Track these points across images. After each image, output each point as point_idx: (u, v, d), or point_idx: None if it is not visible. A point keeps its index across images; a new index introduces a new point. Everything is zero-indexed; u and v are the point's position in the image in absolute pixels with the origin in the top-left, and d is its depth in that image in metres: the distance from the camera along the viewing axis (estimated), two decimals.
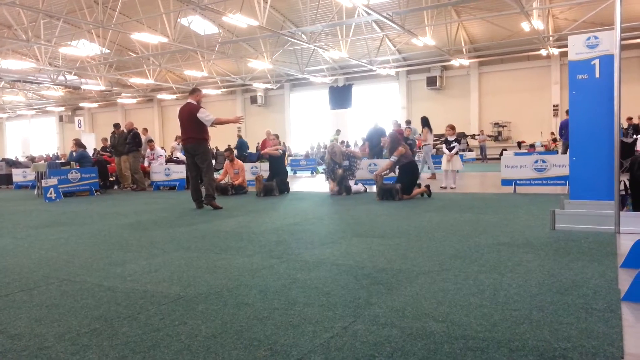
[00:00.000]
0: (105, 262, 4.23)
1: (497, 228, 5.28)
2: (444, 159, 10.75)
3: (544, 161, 9.26)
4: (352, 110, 32.21)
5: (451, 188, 10.34)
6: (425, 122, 14.48)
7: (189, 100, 8.28)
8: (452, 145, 10.46)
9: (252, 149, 26.69)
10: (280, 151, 11.26)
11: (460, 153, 21.05)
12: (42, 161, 20.55)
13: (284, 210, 7.66)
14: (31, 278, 3.74)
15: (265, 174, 11.10)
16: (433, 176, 13.84)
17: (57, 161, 16.58)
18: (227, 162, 11.76)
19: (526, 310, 2.62)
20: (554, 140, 23.62)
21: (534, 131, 27.65)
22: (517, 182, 9.34)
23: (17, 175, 16.75)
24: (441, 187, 10.35)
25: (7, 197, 12.83)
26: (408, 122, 16.46)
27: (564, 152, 12.69)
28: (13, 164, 19.08)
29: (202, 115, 8.06)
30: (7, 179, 17.47)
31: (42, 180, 11.49)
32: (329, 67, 31.44)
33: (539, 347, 2.14)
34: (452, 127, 10.87)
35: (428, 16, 22.39)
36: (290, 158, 23.40)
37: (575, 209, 5.20)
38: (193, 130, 8.13)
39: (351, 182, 10.12)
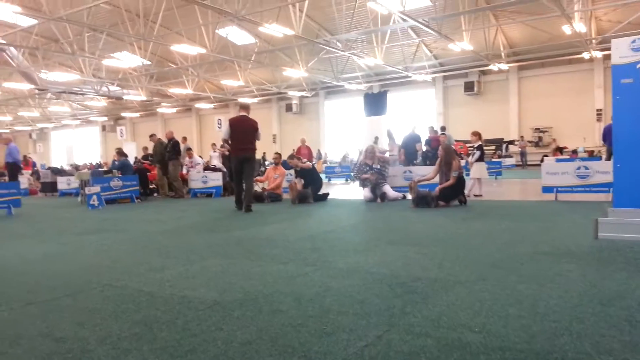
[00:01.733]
0: (145, 267, 4.35)
1: (537, 236, 5.15)
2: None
3: (586, 168, 8.98)
4: (387, 117, 32.04)
5: (475, 196, 10.08)
6: (390, 134, 15.24)
7: (244, 114, 9.22)
8: (473, 152, 10.57)
9: (285, 157, 26.87)
10: (310, 164, 11.47)
11: (499, 159, 20.60)
12: (86, 169, 21.27)
13: (318, 218, 7.69)
14: (75, 283, 3.88)
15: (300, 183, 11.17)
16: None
17: (99, 169, 17.13)
18: (272, 165, 12.00)
19: (566, 321, 2.55)
20: (559, 149, 22.89)
21: (577, 136, 26.84)
22: (559, 189, 9.08)
23: (62, 183, 17.38)
24: (474, 195, 10.13)
25: (52, 204, 13.33)
26: (443, 129, 16.28)
27: (608, 159, 12.32)
28: (58, 172, 19.83)
29: (259, 131, 9.28)
30: (52, 187, 18.13)
31: (86, 188, 11.89)
32: (364, 74, 31.42)
33: None
34: (475, 134, 11.01)
35: (465, 21, 22.10)
36: (325, 165, 23.43)
37: (619, 217, 5.02)
38: (252, 142, 9.13)
39: (387, 188, 10.07)
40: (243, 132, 9.02)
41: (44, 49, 23.13)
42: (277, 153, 12.40)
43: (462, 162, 13.63)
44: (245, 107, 9.41)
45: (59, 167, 27.07)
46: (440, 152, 9.17)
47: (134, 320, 2.86)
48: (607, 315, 2.62)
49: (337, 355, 2.24)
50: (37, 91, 31.48)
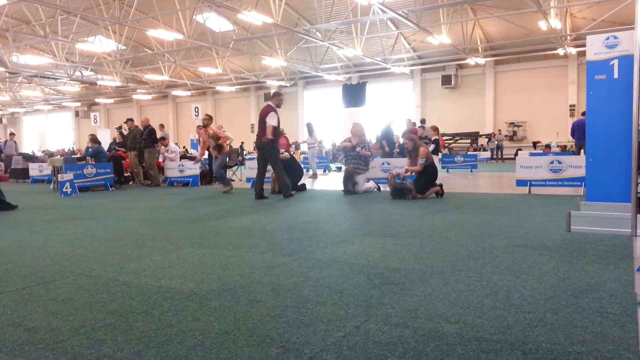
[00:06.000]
0: (120, 257, 4.28)
1: (511, 229, 5.24)
2: None
3: (559, 162, 9.15)
4: (366, 109, 32.09)
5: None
6: (310, 127, 15.57)
7: (269, 103, 9.30)
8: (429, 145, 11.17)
9: None
10: (288, 155, 11.34)
11: (474, 152, 20.92)
12: (59, 156, 20.81)
13: (296, 208, 7.68)
14: (47, 272, 3.79)
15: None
16: (314, 176, 15.39)
17: (73, 156, 16.77)
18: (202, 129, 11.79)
19: (540, 312, 2.60)
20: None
21: (550, 131, 27.37)
22: (532, 182, 9.25)
23: (34, 170, 16.95)
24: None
25: (24, 191, 13.01)
26: (423, 121, 16.41)
27: (577, 153, 12.67)
28: (30, 158, 19.34)
29: (268, 119, 8.98)
30: (23, 173, 17.69)
31: (58, 175, 11.63)
32: (343, 65, 31.40)
33: (552, 350, 2.12)
34: (433, 128, 11.54)
35: (444, 14, 22.24)
36: (303, 156, 23.34)
37: (591, 211, 5.14)
38: (262, 130, 9.05)
39: (361, 178, 9.90)
40: (260, 120, 9.24)
41: (15, 31, 22.42)
42: (206, 115, 12.05)
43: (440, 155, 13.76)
44: (272, 96, 9.58)
45: (31, 152, 26.39)
46: (407, 142, 9.25)
47: (108, 310, 2.82)
48: (579, 306, 2.68)
49: (316, 346, 2.24)
50: (7, 74, 30.59)
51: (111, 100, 42.15)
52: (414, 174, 9.36)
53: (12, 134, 21.58)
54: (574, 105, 26.86)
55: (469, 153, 23.58)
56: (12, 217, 7.33)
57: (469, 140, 29.68)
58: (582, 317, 2.51)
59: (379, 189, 10.27)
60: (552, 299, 2.82)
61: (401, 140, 14.98)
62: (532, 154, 18.78)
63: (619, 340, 2.22)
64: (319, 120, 34.74)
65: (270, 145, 9.10)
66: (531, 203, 7.63)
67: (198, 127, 11.99)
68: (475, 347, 2.19)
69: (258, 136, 9.23)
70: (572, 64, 27.10)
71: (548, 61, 27.70)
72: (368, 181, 10.22)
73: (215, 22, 25.56)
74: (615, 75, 5.21)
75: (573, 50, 25.44)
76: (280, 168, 9.29)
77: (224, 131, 15.17)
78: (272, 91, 9.81)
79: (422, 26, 20.79)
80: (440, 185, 8.85)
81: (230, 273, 3.61)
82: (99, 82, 32.79)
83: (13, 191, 13.16)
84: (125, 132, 15.06)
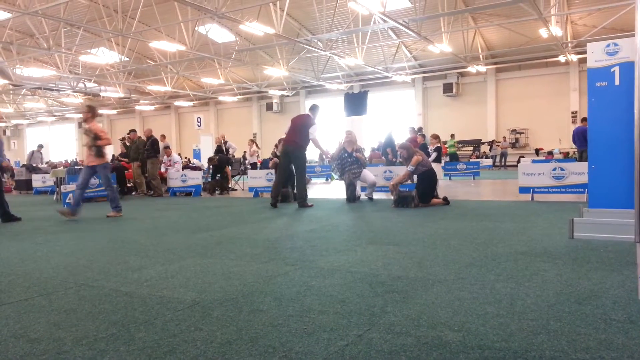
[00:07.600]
0: (122, 267, 4.28)
1: (514, 236, 5.22)
2: None
3: (562, 169, 9.14)
4: (368, 117, 32.19)
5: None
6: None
7: (308, 113, 9.81)
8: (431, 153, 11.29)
9: (267, 156, 26.80)
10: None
11: (477, 160, 20.92)
12: (62, 167, 20.88)
13: (298, 217, 7.68)
14: (50, 283, 3.80)
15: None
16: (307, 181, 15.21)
17: (76, 167, 16.83)
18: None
19: (543, 320, 2.59)
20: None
21: (552, 138, 27.34)
22: (535, 189, 9.23)
23: (37, 181, 17.04)
24: None
25: (27, 202, 13.05)
26: (420, 130, 16.44)
27: (579, 160, 12.69)
28: (33, 169, 19.42)
29: (312, 130, 9.41)
30: (26, 185, 17.76)
31: (61, 186, 11.67)
32: (345, 74, 31.49)
33: (556, 358, 2.11)
34: (434, 136, 11.64)
35: (444, 23, 22.33)
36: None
37: (594, 217, 5.12)
38: (300, 137, 9.36)
39: (366, 173, 9.92)
40: (298, 126, 9.47)
41: (19, 44, 22.60)
42: (86, 106, 11.58)
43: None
44: (311, 109, 9.93)
45: (34, 164, 26.46)
46: (401, 151, 9.27)
47: (111, 321, 2.82)
48: (583, 313, 2.67)
49: (318, 355, 2.24)
50: (11, 87, 30.76)
51: (114, 112, 42.36)
52: (410, 182, 9.38)
53: (40, 146, 21.85)
54: (575, 112, 26.85)
55: (471, 160, 23.57)
56: (15, 228, 7.35)
57: (472, 148, 29.67)
58: (585, 324, 2.50)
59: (374, 185, 10.20)
60: (555, 306, 2.80)
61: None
62: (534, 161, 18.76)
63: (623, 347, 2.21)
64: (321, 128, 34.87)
65: (301, 151, 9.39)
66: (534, 210, 7.61)
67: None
68: (479, 355, 2.18)
69: (289, 141, 9.39)
70: (573, 70, 27.13)
71: (549, 68, 27.74)
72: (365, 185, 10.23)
73: (217, 33, 25.72)
74: (617, 82, 5.21)
75: (574, 57, 25.48)
76: (304, 176, 9.46)
77: (225, 142, 15.23)
78: (311, 104, 10.18)
79: (423, 35, 20.88)
80: (445, 198, 8.81)
81: (232, 282, 3.60)
82: (102, 94, 32.96)
83: (16, 203, 13.20)
84: (128, 144, 15.18)
